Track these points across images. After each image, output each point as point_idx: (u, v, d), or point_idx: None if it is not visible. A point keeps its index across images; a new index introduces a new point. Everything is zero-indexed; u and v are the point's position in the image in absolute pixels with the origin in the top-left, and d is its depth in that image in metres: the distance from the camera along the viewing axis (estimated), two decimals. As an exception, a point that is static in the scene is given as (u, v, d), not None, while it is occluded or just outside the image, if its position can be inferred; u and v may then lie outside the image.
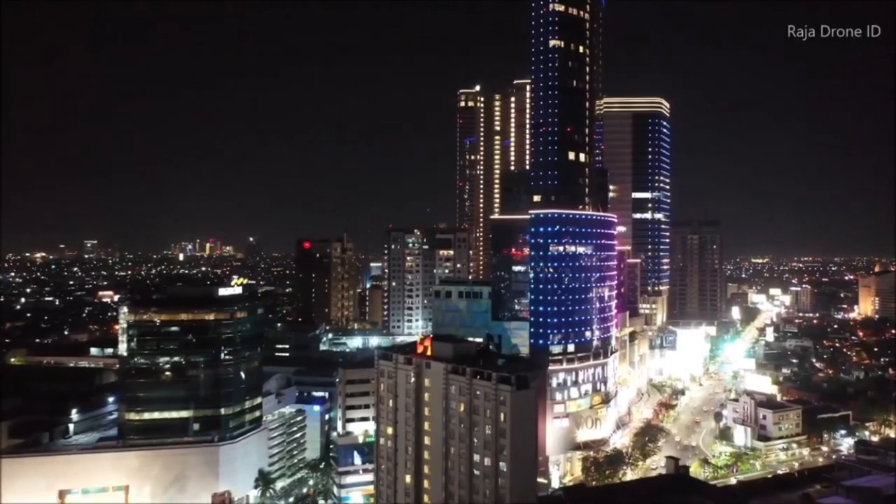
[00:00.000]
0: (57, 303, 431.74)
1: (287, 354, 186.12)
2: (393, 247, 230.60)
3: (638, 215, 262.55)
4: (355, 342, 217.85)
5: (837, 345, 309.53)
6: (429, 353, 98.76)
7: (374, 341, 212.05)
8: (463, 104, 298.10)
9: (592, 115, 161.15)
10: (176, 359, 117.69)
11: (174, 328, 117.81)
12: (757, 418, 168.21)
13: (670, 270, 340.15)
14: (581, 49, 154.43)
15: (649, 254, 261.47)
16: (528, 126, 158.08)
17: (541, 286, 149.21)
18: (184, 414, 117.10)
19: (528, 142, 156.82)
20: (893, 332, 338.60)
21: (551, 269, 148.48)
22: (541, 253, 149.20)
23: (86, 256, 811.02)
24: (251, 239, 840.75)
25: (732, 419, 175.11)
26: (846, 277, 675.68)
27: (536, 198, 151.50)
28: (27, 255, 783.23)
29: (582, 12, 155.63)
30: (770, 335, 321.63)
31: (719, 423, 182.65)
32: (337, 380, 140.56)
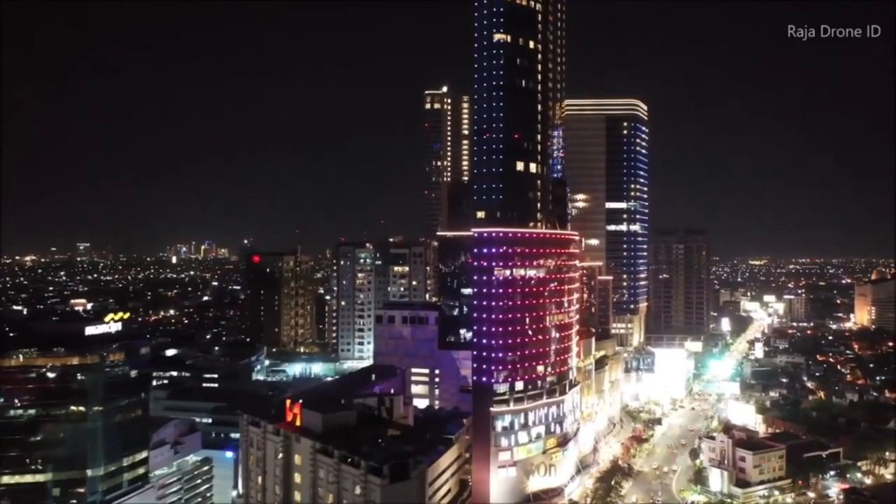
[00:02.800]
0: (25, 312, 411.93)
1: (216, 385, 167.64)
2: (342, 262, 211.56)
3: (612, 227, 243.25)
4: (296, 369, 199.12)
5: (832, 360, 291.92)
6: (298, 422, 79.96)
7: (317, 368, 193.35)
8: (429, 106, 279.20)
9: (548, 119, 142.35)
10: (31, 412, 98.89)
11: (29, 374, 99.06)
12: (735, 460, 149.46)
13: (654, 282, 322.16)
14: (532, 44, 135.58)
15: (624, 269, 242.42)
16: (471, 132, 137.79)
17: (484, 316, 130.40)
18: (40, 478, 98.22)
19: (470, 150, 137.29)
20: (890, 344, 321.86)
21: (496, 296, 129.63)
22: (484, 277, 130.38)
23: (78, 259, 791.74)
24: (245, 241, 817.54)
25: (708, 459, 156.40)
26: (843, 281, 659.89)
27: (480, 214, 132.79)
28: (17, 258, 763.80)
29: (534, 3, 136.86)
30: (759, 351, 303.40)
31: (695, 462, 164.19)
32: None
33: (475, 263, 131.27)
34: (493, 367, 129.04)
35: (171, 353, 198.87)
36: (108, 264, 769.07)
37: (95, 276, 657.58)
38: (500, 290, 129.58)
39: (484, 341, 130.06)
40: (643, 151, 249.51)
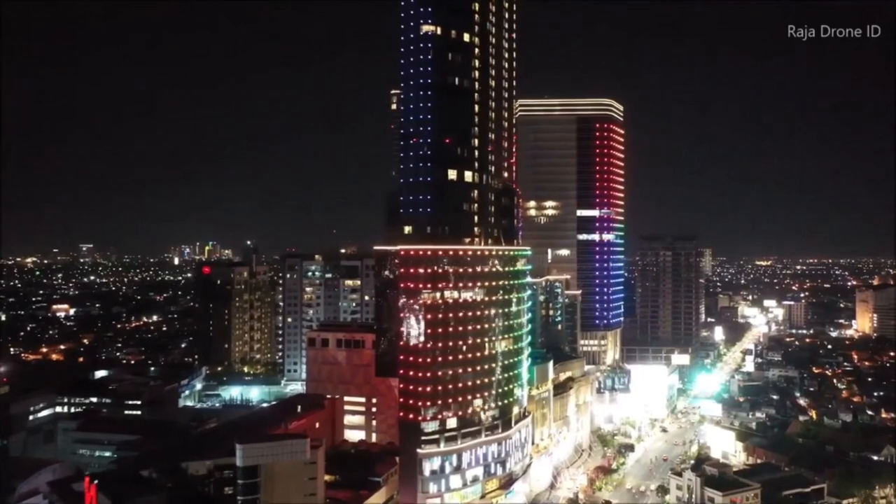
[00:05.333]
0: (3, 318, 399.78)
1: (140, 413, 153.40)
2: (289, 276, 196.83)
3: (584, 236, 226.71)
4: (233, 392, 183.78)
5: (828, 372, 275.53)
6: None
7: (255, 393, 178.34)
8: (395, 107, 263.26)
9: (489, 121, 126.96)
10: None
11: None
12: (704, 501, 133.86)
13: (641, 291, 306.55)
14: (468, 37, 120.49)
15: (597, 281, 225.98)
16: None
17: (410, 344, 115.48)
18: None
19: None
20: (891, 354, 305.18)
21: (423, 323, 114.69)
22: (410, 301, 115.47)
23: (81, 261, 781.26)
24: (249, 242, 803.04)
25: (676, 499, 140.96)
26: (849, 283, 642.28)
27: (407, 229, 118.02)
28: (18, 259, 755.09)
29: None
30: (750, 364, 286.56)
31: (664, 499, 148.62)
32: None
33: (402, 285, 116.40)
34: (420, 403, 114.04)
35: (100, 374, 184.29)
36: (109, 266, 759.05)
37: (93, 278, 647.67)
38: (429, 316, 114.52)
39: (410, 373, 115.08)
40: (618, 155, 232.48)
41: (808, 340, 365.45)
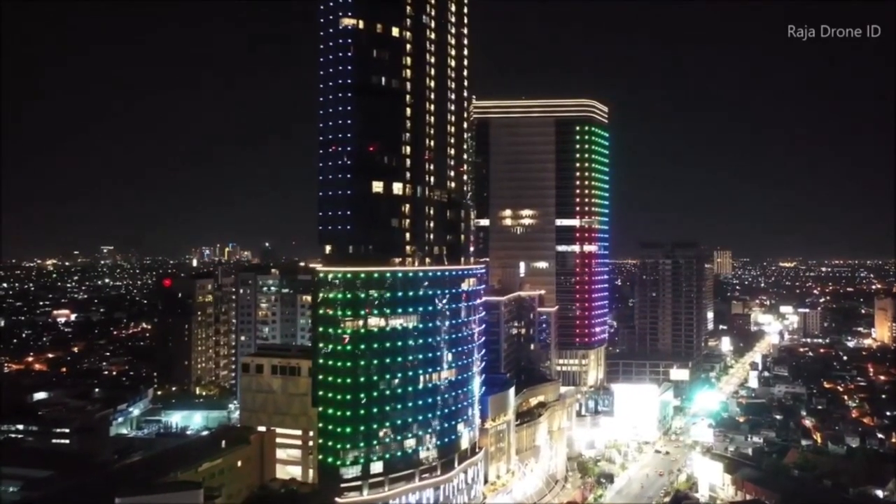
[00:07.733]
0: (2, 323, 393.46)
1: (67, 442, 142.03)
2: (242, 291, 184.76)
3: (563, 248, 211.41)
4: (176, 418, 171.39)
5: (840, 388, 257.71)
6: None
7: (197, 419, 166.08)
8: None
9: (425, 125, 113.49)
10: None
11: None
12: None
13: (640, 302, 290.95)
14: (397, 32, 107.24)
15: (577, 296, 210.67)
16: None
17: (329, 379, 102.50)
18: None
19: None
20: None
21: (343, 355, 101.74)
22: (330, 330, 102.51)
23: (102, 263, 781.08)
24: (266, 244, 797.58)
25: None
26: (873, 287, 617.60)
27: (327, 248, 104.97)
28: (38, 261, 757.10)
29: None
30: (753, 380, 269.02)
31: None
32: None
33: (321, 312, 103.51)
34: (339, 445, 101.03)
35: (39, 396, 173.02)
36: (128, 268, 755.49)
37: (107, 281, 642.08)
38: (350, 346, 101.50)
39: (329, 411, 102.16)
40: (602, 160, 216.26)
41: (822, 351, 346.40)
